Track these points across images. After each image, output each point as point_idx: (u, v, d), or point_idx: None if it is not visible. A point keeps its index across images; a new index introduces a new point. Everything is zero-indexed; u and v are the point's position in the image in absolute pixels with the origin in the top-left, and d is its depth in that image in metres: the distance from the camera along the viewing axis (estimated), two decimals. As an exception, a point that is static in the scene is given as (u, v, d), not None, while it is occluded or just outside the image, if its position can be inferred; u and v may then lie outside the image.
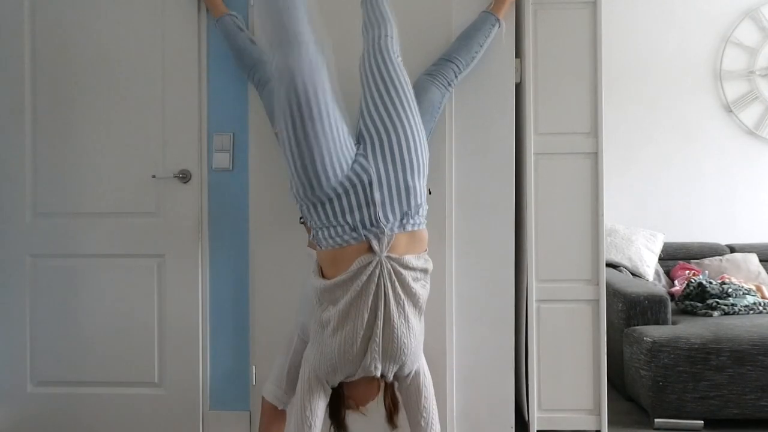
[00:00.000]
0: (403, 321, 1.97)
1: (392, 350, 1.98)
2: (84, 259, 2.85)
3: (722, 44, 4.60)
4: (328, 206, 1.98)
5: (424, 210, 2.07)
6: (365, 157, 2.00)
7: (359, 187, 1.97)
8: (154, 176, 2.80)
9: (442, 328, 2.64)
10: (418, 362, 2.11)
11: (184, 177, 2.80)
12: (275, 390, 2.33)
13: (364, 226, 1.97)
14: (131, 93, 2.82)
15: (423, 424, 2.09)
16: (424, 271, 2.05)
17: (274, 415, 2.34)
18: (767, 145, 4.62)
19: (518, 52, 2.74)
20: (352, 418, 2.18)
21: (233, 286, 2.80)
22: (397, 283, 1.96)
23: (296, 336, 2.34)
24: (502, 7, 2.59)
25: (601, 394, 2.73)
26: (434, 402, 2.14)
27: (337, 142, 1.95)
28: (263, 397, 2.36)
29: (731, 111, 4.60)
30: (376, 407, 2.21)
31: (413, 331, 2.01)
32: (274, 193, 2.65)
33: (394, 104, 2.05)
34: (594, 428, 2.74)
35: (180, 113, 2.80)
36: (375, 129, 2.04)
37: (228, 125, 2.80)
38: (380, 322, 1.95)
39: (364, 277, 1.94)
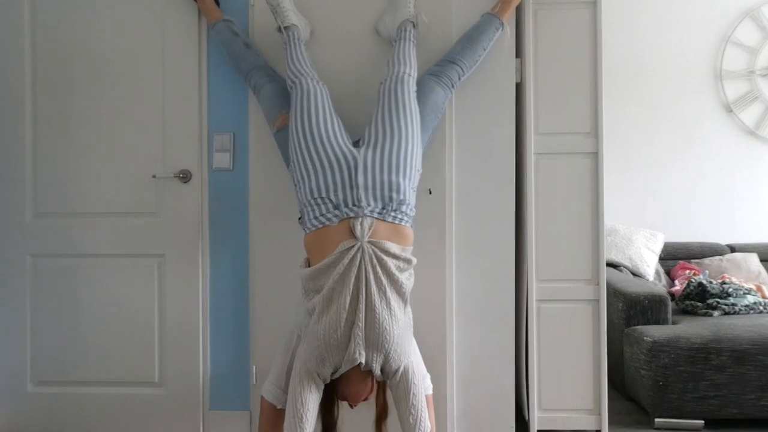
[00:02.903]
0: (385, 306, 2.04)
1: (374, 336, 2.04)
2: (84, 259, 2.85)
3: (722, 44, 4.60)
4: (313, 179, 2.17)
5: (408, 208, 2.19)
6: (359, 148, 2.23)
7: (345, 168, 2.16)
8: (154, 176, 2.80)
9: (442, 328, 2.64)
10: (407, 359, 2.13)
11: (185, 177, 2.80)
12: (274, 389, 2.33)
13: (346, 205, 2.12)
14: (131, 93, 2.82)
15: (411, 421, 2.13)
16: (408, 261, 2.14)
17: (273, 414, 2.34)
18: (767, 145, 4.62)
19: (518, 52, 2.74)
20: (343, 419, 2.22)
21: (233, 286, 2.80)
22: (378, 268, 2.05)
23: (295, 335, 2.34)
24: (507, 10, 2.59)
25: (601, 394, 2.72)
26: (423, 400, 2.17)
27: (330, 117, 2.28)
28: (262, 397, 2.36)
29: (731, 111, 4.60)
30: (369, 407, 2.23)
31: (396, 318, 2.06)
32: (274, 193, 2.66)
33: (399, 117, 2.27)
34: (594, 428, 2.74)
35: (180, 113, 2.80)
36: (376, 130, 2.26)
37: (228, 125, 2.80)
38: (362, 306, 2.02)
39: (346, 261, 2.04)
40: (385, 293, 2.05)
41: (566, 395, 2.74)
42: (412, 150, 2.24)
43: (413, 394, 2.13)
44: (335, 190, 2.14)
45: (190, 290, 2.80)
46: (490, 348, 2.69)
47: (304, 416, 2.07)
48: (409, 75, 2.37)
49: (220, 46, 2.70)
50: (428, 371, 2.36)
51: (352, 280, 2.03)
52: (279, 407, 2.32)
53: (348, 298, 2.02)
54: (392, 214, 2.14)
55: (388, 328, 2.04)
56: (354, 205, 2.12)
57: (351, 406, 2.21)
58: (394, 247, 2.09)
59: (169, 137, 2.81)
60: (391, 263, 2.07)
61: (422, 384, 2.19)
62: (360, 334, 2.03)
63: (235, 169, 2.79)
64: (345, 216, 2.10)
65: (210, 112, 2.81)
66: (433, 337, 2.58)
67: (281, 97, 2.49)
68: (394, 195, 2.15)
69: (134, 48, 2.82)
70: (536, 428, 2.72)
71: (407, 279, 2.13)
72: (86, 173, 2.84)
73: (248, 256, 2.74)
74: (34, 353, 2.87)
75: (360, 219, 2.09)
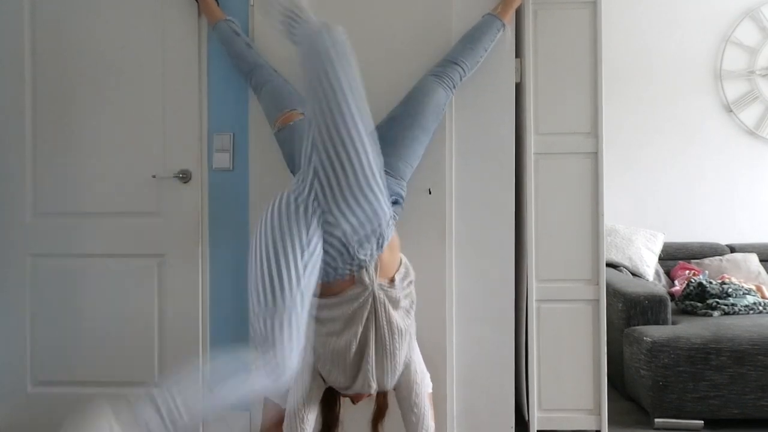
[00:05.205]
0: (397, 337, 2.00)
1: (384, 366, 2.02)
2: (84, 259, 2.85)
3: (722, 44, 4.61)
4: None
5: (390, 229, 1.99)
6: (327, 220, 1.87)
7: (337, 246, 1.89)
8: (154, 176, 2.80)
9: (442, 328, 2.64)
10: (409, 360, 2.13)
11: (185, 177, 2.80)
12: (276, 388, 2.33)
13: (345, 264, 1.93)
14: (131, 93, 2.82)
15: (414, 419, 2.12)
16: (410, 282, 2.08)
17: (275, 413, 2.34)
18: (767, 145, 4.62)
19: (518, 52, 2.74)
20: (343, 416, 2.23)
21: (233, 286, 2.80)
22: (390, 309, 1.98)
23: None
24: (508, 11, 2.59)
25: (601, 394, 2.73)
26: (426, 398, 2.16)
27: None
28: (265, 395, 2.36)
29: (731, 111, 4.61)
30: (370, 404, 2.23)
31: (404, 338, 2.03)
32: (274, 193, 2.64)
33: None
34: (594, 428, 2.74)
35: (180, 113, 2.80)
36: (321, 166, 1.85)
37: (228, 125, 2.79)
38: (371, 342, 1.98)
39: (355, 305, 1.96)
40: (395, 325, 2.00)
41: (566, 395, 2.74)
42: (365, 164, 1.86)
43: (415, 393, 2.13)
44: (334, 261, 1.93)
45: (190, 290, 2.80)
46: (490, 348, 2.69)
47: (305, 416, 2.08)
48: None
49: (220, 46, 2.70)
50: (428, 371, 2.36)
51: (363, 321, 1.96)
52: (283, 407, 2.32)
53: (359, 332, 1.96)
54: (382, 246, 1.97)
55: (397, 353, 2.02)
56: (354, 260, 1.93)
57: (353, 402, 2.21)
58: (398, 283, 2.02)
59: (169, 137, 2.81)
60: (399, 294, 2.01)
61: (423, 382, 2.19)
62: (370, 369, 2.00)
63: (235, 169, 2.79)
64: (348, 272, 1.95)
65: (210, 112, 2.81)
66: (433, 337, 2.58)
67: (282, 96, 2.48)
68: (383, 222, 1.92)
69: (134, 48, 2.82)
70: (536, 428, 2.72)
71: (411, 296, 2.08)
72: (86, 173, 2.84)
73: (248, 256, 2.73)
74: (34, 353, 2.87)
75: (363, 269, 1.96)
